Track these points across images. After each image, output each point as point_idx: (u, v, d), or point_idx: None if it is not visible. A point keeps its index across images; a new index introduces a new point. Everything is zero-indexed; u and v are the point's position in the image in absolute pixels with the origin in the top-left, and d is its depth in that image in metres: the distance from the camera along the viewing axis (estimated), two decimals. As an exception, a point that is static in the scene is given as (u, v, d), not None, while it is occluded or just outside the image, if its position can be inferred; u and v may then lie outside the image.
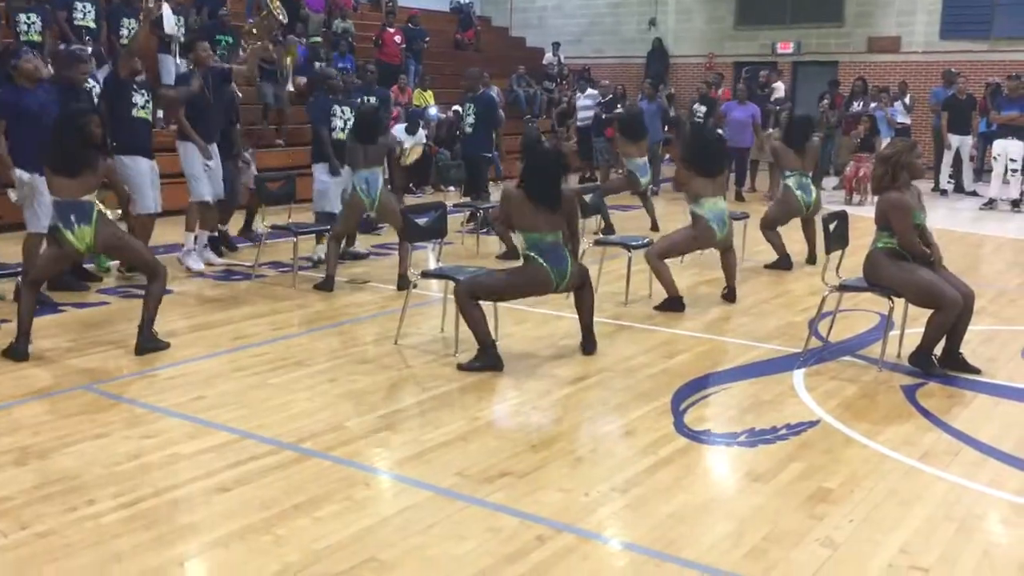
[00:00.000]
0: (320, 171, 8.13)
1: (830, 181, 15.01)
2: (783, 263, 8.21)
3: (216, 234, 8.29)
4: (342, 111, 8.22)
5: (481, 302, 5.22)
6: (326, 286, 7.07)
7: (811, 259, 8.34)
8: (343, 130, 8.12)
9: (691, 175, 6.82)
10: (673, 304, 6.64)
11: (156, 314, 5.42)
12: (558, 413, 4.68)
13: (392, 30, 15.94)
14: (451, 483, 3.72)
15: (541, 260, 5.24)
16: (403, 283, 7.00)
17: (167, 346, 5.45)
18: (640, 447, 4.16)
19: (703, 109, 14.22)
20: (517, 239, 5.58)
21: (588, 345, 5.57)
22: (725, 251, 6.94)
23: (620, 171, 11.30)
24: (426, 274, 6.05)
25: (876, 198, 5.43)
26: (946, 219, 11.42)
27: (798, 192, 8.28)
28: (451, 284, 5.62)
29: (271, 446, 4.05)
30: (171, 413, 4.44)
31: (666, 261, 6.77)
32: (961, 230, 10.91)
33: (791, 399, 4.85)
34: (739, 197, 13.11)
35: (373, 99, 9.67)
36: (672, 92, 17.60)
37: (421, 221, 5.94)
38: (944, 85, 15.01)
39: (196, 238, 7.81)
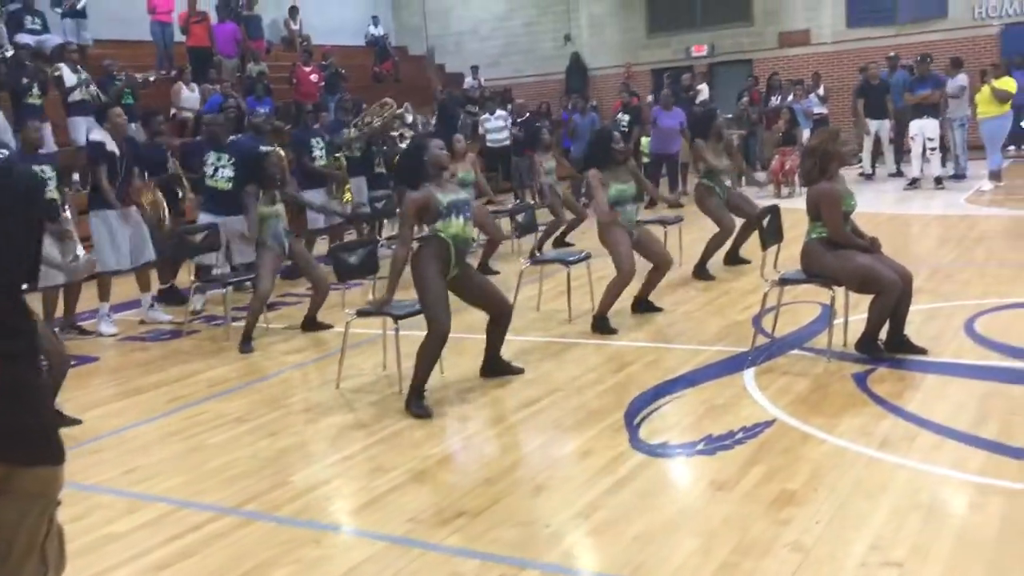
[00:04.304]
0: (205, 218, 7.81)
1: (759, 176, 15.14)
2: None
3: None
4: (217, 157, 7.87)
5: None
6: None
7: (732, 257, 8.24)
8: (212, 176, 7.85)
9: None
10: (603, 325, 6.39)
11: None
12: (512, 441, 4.54)
13: (308, 68, 15.72)
14: (405, 530, 3.54)
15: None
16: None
17: (78, 422, 5.06)
18: (598, 468, 4.03)
19: (627, 118, 14.23)
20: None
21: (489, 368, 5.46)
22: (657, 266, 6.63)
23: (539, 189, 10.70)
24: (361, 312, 5.87)
25: (806, 190, 5.41)
26: (873, 202, 11.57)
27: (705, 181, 8.07)
28: (388, 320, 5.46)
29: (212, 512, 3.83)
30: (101, 490, 4.18)
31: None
32: (888, 211, 11.07)
33: (744, 400, 4.77)
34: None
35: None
36: (595, 104, 17.61)
37: (351, 259, 5.77)
38: (862, 77, 15.20)
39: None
